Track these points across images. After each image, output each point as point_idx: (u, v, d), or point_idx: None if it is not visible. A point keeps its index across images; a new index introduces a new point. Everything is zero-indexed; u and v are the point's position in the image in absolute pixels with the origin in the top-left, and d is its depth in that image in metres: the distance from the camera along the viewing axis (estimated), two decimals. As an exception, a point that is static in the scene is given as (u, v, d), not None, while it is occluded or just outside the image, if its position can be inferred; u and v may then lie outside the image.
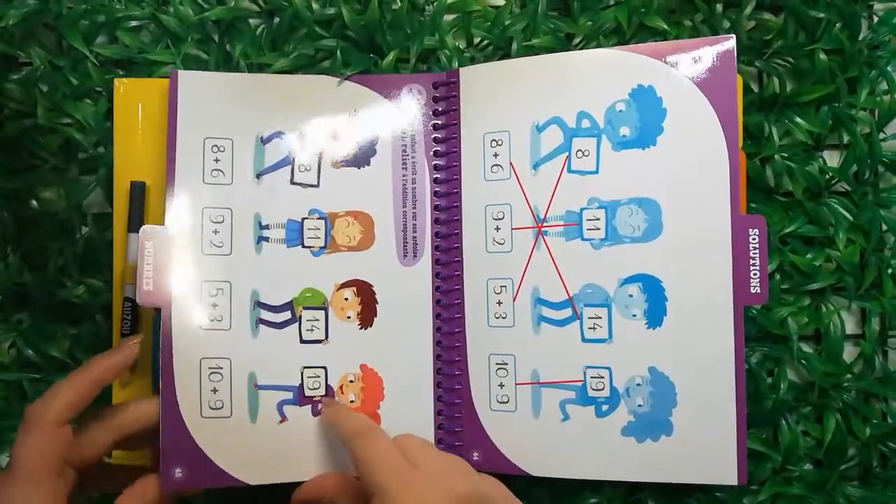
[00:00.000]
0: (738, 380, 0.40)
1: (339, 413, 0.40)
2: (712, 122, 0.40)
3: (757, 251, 0.40)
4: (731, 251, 0.40)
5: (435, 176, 0.43)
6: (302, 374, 0.42)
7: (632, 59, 0.41)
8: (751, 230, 0.40)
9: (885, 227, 0.45)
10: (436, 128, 0.43)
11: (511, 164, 0.42)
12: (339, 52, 0.44)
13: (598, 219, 0.41)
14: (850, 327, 0.46)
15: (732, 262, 0.40)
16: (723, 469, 0.40)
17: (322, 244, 0.42)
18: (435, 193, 0.43)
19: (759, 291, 0.40)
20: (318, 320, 0.42)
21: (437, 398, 0.43)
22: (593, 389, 0.42)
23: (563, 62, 0.42)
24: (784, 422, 0.45)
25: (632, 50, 0.41)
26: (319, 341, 0.42)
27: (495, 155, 0.42)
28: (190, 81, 0.41)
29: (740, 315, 0.40)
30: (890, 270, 0.45)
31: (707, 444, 0.40)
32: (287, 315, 0.42)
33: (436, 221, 0.43)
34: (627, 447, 0.41)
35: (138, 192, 0.43)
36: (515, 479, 0.44)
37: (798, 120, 0.45)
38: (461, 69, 0.43)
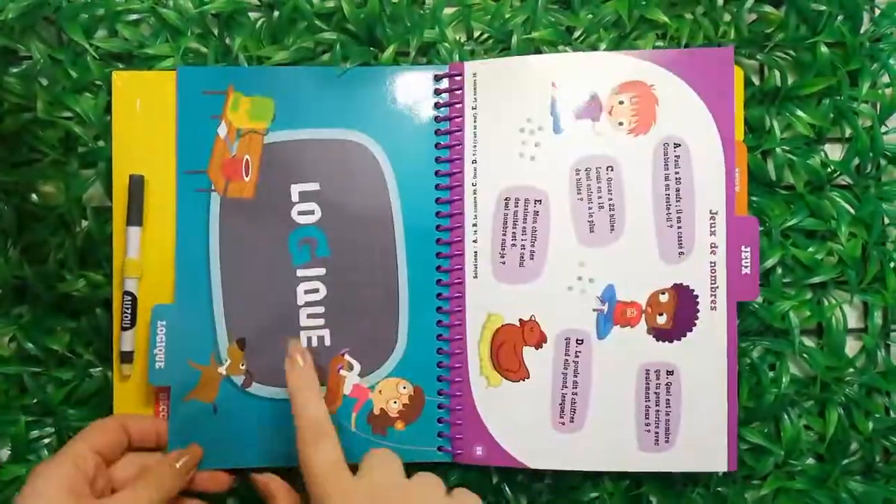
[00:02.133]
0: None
1: (298, 400, 0.38)
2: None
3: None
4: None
5: (436, 169, 0.43)
6: None
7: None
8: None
9: (887, 221, 0.45)
10: (437, 119, 0.44)
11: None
12: (338, 45, 0.44)
13: None
14: (853, 321, 0.46)
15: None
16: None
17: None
18: (436, 187, 0.44)
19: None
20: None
21: (438, 392, 0.43)
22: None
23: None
24: (786, 416, 0.45)
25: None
26: None
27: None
28: None
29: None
30: (892, 264, 0.45)
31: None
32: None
33: (437, 215, 0.43)
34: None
35: (137, 185, 0.42)
36: (516, 474, 0.45)
37: (799, 113, 0.45)
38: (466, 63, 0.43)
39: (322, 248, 0.43)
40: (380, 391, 0.43)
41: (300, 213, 0.43)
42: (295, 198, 0.43)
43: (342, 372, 0.43)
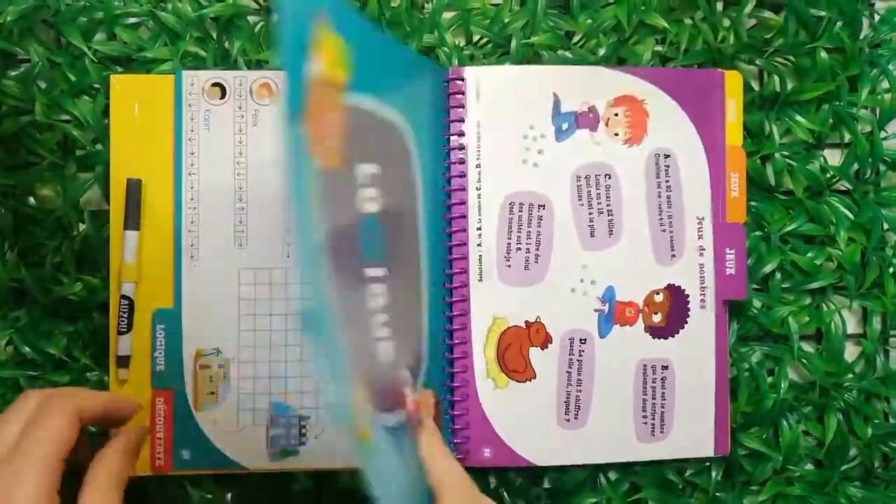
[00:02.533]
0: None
1: (430, 453, 0.34)
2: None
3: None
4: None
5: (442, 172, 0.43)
6: None
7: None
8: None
9: (886, 226, 0.45)
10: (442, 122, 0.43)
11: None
12: (338, 49, 0.44)
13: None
14: (852, 326, 0.46)
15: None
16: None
17: None
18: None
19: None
20: None
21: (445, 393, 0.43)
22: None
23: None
24: (785, 421, 0.45)
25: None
26: None
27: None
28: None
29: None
30: (891, 269, 0.45)
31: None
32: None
33: (443, 217, 0.43)
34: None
35: (134, 189, 0.42)
36: (514, 478, 0.44)
37: (799, 118, 0.45)
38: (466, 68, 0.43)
39: (382, 243, 0.35)
40: None
41: (365, 199, 0.33)
42: (361, 179, 0.33)
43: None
